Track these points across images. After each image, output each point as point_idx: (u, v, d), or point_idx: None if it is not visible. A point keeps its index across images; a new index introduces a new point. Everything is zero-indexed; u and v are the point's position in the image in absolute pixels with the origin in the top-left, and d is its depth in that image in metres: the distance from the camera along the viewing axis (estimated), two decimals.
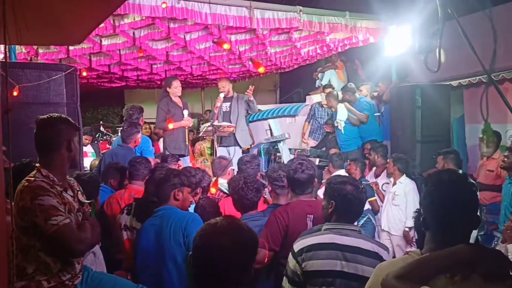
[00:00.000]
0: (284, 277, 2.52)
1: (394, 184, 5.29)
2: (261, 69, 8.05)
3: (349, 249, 2.35)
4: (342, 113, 7.09)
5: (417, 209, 1.77)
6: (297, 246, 2.46)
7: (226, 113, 6.52)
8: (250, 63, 8.11)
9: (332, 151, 6.86)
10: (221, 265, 1.48)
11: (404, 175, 5.31)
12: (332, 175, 5.65)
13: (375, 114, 7.22)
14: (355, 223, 2.57)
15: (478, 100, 6.11)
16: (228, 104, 6.54)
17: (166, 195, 3.03)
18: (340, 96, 7.84)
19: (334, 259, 2.37)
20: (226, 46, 6.53)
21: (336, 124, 7.20)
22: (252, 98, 6.42)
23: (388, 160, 5.70)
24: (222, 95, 6.42)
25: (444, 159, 4.98)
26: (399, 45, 5.82)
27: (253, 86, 6.47)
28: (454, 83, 6.26)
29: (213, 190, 2.83)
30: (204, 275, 1.52)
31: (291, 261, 2.47)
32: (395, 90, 6.61)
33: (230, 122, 6.29)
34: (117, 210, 3.78)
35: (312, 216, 2.98)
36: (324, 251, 2.39)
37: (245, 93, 6.39)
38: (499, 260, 1.44)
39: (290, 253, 2.49)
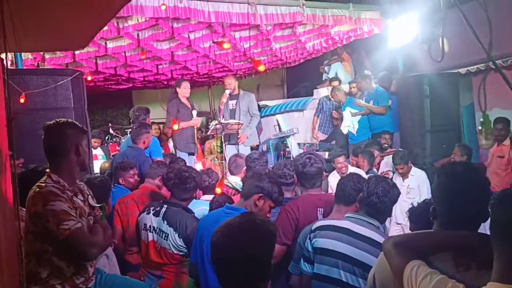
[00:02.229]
0: (301, 258, 2.64)
1: (406, 177, 5.22)
2: (261, 68, 8.04)
3: (360, 237, 2.39)
4: (347, 120, 7.07)
5: (425, 200, 1.78)
6: (315, 225, 2.59)
7: (233, 110, 6.53)
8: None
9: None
10: (242, 262, 1.48)
11: (413, 166, 5.27)
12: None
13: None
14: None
15: (487, 87, 6.05)
16: (234, 101, 6.54)
17: (247, 193, 2.74)
18: (347, 88, 7.81)
19: (343, 242, 2.43)
20: (226, 45, 6.54)
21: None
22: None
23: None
24: (227, 92, 6.43)
25: (460, 151, 4.98)
26: (404, 35, 5.77)
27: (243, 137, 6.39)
28: (462, 70, 6.19)
29: (218, 190, 2.80)
30: (226, 274, 1.53)
31: (307, 238, 2.59)
32: (403, 80, 6.57)
33: (237, 120, 6.30)
34: (134, 209, 3.82)
35: (322, 209, 2.99)
36: (335, 233, 2.48)
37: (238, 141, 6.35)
38: None
39: (308, 232, 2.60)
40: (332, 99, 8.33)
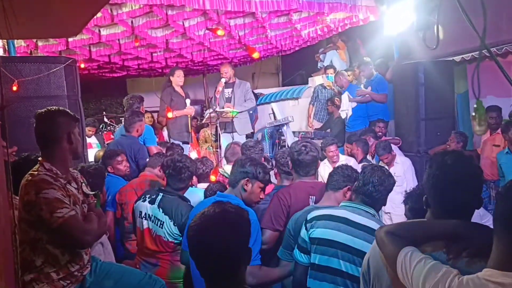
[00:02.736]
0: (296, 248, 2.64)
1: (391, 165, 5.25)
2: (255, 55, 8.01)
3: (358, 226, 2.39)
4: (345, 103, 7.08)
5: (415, 187, 1.79)
6: (311, 214, 2.58)
7: (228, 99, 6.52)
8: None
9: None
10: (217, 250, 1.49)
11: (400, 154, 5.31)
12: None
13: None
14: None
15: (481, 75, 6.04)
16: (230, 90, 6.53)
17: (234, 181, 2.81)
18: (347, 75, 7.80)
19: (341, 231, 2.43)
20: (220, 32, 6.50)
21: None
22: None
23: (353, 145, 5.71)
24: (223, 80, 6.42)
25: (456, 138, 5.00)
26: (400, 22, 5.74)
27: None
28: (457, 58, 6.18)
29: (212, 178, 2.81)
30: (204, 263, 1.54)
31: (302, 229, 2.58)
32: (398, 68, 6.56)
33: (233, 108, 6.29)
34: (132, 198, 3.83)
35: (314, 197, 3.01)
36: (333, 222, 2.47)
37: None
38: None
39: (304, 222, 2.60)
40: (328, 87, 8.33)
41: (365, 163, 5.18)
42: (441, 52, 6.05)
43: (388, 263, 1.57)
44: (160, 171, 3.99)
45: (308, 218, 2.58)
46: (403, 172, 5.14)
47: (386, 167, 5.24)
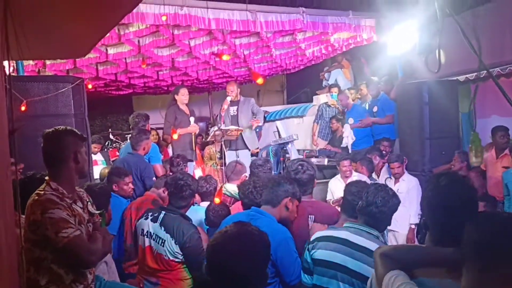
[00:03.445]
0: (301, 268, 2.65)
1: (397, 182, 5.26)
2: (259, 80, 8.07)
3: (359, 248, 2.37)
4: (346, 131, 7.14)
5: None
6: (314, 235, 2.60)
7: (234, 116, 6.56)
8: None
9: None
10: (234, 270, 1.50)
11: (406, 172, 5.30)
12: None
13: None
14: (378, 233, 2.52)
15: (486, 94, 6.07)
16: (235, 107, 6.58)
17: (275, 200, 2.80)
18: (349, 94, 7.84)
19: (341, 253, 2.43)
20: (225, 57, 6.59)
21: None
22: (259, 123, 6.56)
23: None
24: (229, 98, 6.46)
25: (460, 158, 4.98)
26: (403, 42, 5.80)
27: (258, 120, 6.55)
28: (461, 78, 6.21)
29: (217, 200, 2.80)
30: (219, 281, 1.54)
31: (305, 250, 2.60)
32: (402, 87, 6.59)
33: (238, 126, 6.33)
34: (133, 215, 3.90)
35: (313, 216, 3.00)
36: (333, 244, 2.47)
37: (251, 122, 6.44)
38: None
39: (307, 243, 2.61)
40: (332, 105, 8.36)
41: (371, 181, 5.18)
42: (445, 72, 6.10)
43: (378, 284, 1.57)
44: (164, 192, 4.01)
45: (311, 239, 2.59)
46: (407, 190, 5.12)
47: (392, 182, 5.26)
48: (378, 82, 7.29)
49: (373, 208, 2.44)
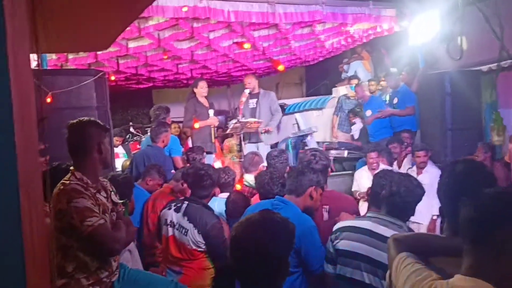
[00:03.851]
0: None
1: (420, 173, 5.20)
2: (280, 67, 8.07)
3: (382, 238, 2.34)
4: (357, 126, 7.13)
5: None
6: (337, 225, 2.60)
7: (253, 109, 6.57)
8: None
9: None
10: (258, 256, 1.51)
11: (430, 163, 5.25)
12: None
13: None
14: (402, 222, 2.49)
15: (509, 84, 5.94)
16: (254, 100, 6.59)
17: (300, 190, 2.82)
18: (367, 86, 7.78)
19: (363, 243, 2.42)
20: (246, 46, 6.59)
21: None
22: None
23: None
24: (247, 91, 6.47)
25: (483, 149, 4.95)
26: (425, 32, 5.70)
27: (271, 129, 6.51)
28: (485, 68, 6.09)
29: (238, 186, 2.82)
30: (243, 267, 1.57)
31: (329, 240, 2.61)
32: (424, 77, 6.50)
33: (257, 118, 6.34)
34: (156, 207, 3.95)
35: (328, 206, 3.00)
36: (356, 234, 2.47)
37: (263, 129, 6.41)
38: None
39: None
40: (351, 97, 8.30)
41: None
42: (468, 62, 5.99)
43: (389, 267, 1.58)
44: (182, 185, 4.06)
45: (334, 229, 2.59)
46: (431, 182, 5.06)
47: (415, 173, 5.21)
48: (397, 74, 7.19)
49: (396, 198, 2.41)
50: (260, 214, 1.61)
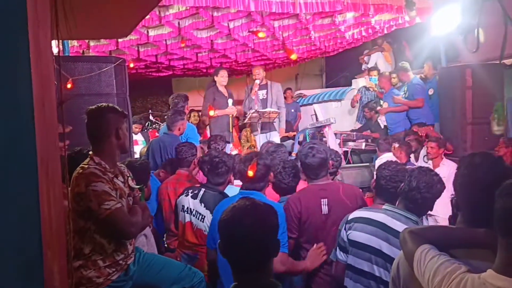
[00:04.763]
0: (337, 245, 2.69)
1: (437, 166, 5.15)
2: (293, 56, 8.06)
3: (395, 233, 2.33)
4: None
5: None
6: (352, 215, 2.60)
7: (264, 100, 6.68)
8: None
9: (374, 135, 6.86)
10: (249, 241, 1.54)
11: (445, 157, 5.20)
12: (379, 157, 5.62)
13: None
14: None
15: None
16: (264, 91, 6.69)
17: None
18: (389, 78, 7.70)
19: (377, 237, 2.42)
20: (261, 35, 6.64)
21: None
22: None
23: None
24: (257, 81, 6.57)
25: (505, 144, 4.91)
26: (447, 24, 5.60)
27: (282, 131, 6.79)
28: (508, 61, 5.96)
29: (250, 173, 2.81)
30: (234, 255, 1.60)
31: (342, 228, 2.63)
32: (444, 70, 6.41)
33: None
34: (165, 195, 4.00)
35: (326, 200, 2.96)
36: (370, 227, 2.46)
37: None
38: None
39: (345, 221, 2.63)
40: (371, 89, 8.24)
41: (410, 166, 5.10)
42: (491, 55, 5.87)
43: (407, 261, 1.57)
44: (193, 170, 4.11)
45: (348, 219, 2.60)
46: (448, 176, 5.02)
47: (431, 164, 5.16)
48: (405, 68, 7.10)
49: (415, 193, 2.37)
50: (243, 201, 1.64)
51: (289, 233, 2.93)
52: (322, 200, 2.97)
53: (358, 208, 2.78)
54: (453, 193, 1.73)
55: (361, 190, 3.33)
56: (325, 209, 2.95)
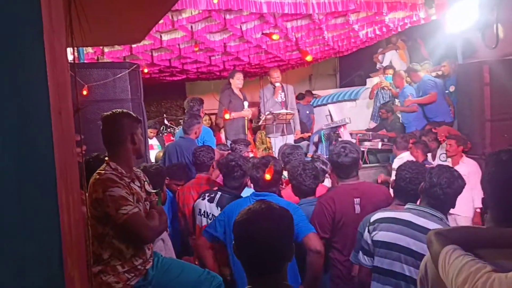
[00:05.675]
0: (360, 250, 2.63)
1: (456, 164, 5.07)
2: (308, 58, 8.04)
3: (422, 229, 2.33)
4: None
5: None
6: (375, 216, 2.55)
7: (282, 102, 6.65)
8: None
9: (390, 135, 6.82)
10: (264, 244, 1.53)
11: (465, 155, 5.12)
12: (398, 157, 5.57)
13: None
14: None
15: None
16: (282, 94, 6.67)
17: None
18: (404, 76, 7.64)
19: (404, 235, 2.39)
20: (275, 37, 6.62)
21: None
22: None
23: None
24: (278, 84, 6.59)
25: None
26: (463, 20, 5.51)
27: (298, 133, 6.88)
28: None
29: (267, 176, 2.79)
30: (249, 258, 1.58)
31: (365, 231, 2.57)
32: (462, 67, 6.31)
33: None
34: (189, 199, 3.97)
35: (359, 199, 2.96)
36: (396, 226, 2.43)
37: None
38: None
39: (367, 224, 2.58)
40: (386, 87, 8.16)
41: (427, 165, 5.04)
42: (508, 51, 5.76)
43: (433, 263, 1.54)
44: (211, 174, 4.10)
45: (371, 220, 2.56)
46: (467, 174, 4.94)
47: (450, 162, 5.08)
48: (415, 69, 7.04)
49: (437, 189, 2.36)
50: (259, 203, 1.63)
51: (321, 233, 2.93)
52: (355, 199, 2.97)
53: (387, 206, 2.76)
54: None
55: (387, 188, 3.32)
56: (357, 208, 2.94)
